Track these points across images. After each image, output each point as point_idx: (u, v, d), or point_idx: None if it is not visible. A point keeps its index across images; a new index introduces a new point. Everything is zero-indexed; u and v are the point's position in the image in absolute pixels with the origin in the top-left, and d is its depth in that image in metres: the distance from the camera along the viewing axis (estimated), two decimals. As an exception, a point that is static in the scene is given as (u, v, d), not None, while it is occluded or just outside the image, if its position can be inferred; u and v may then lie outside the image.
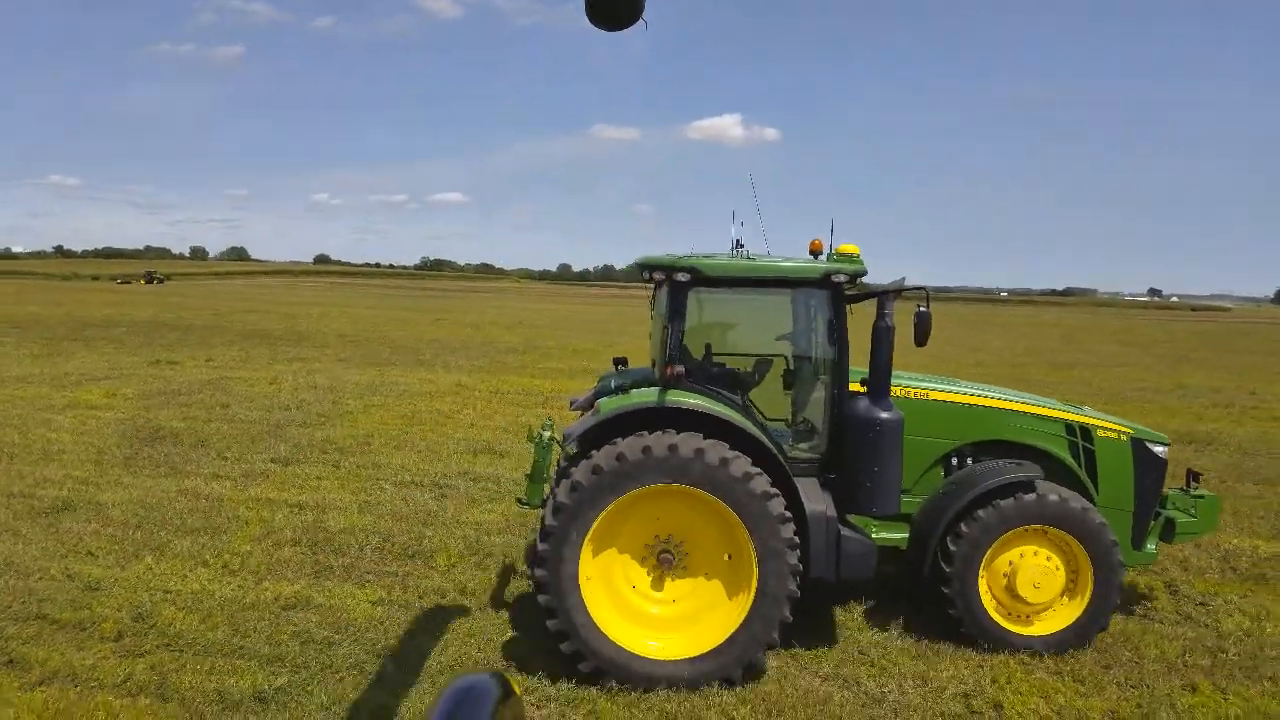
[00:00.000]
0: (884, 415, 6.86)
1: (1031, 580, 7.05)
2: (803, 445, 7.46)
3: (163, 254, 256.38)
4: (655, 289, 8.04)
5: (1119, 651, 7.21)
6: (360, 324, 45.65)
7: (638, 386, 7.32)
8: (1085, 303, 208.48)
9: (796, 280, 7.33)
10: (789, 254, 7.46)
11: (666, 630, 6.59)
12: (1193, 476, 8.27)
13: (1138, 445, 7.84)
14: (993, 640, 7.09)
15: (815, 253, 7.26)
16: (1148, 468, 7.81)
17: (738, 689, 6.37)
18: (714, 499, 6.34)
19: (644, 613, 6.64)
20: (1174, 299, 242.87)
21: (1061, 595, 7.16)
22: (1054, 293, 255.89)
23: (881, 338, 6.83)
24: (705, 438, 6.42)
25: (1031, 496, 7.06)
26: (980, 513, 7.05)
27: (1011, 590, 7.10)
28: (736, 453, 6.40)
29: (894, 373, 7.04)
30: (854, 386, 7.24)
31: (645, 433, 6.46)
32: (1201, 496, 8.06)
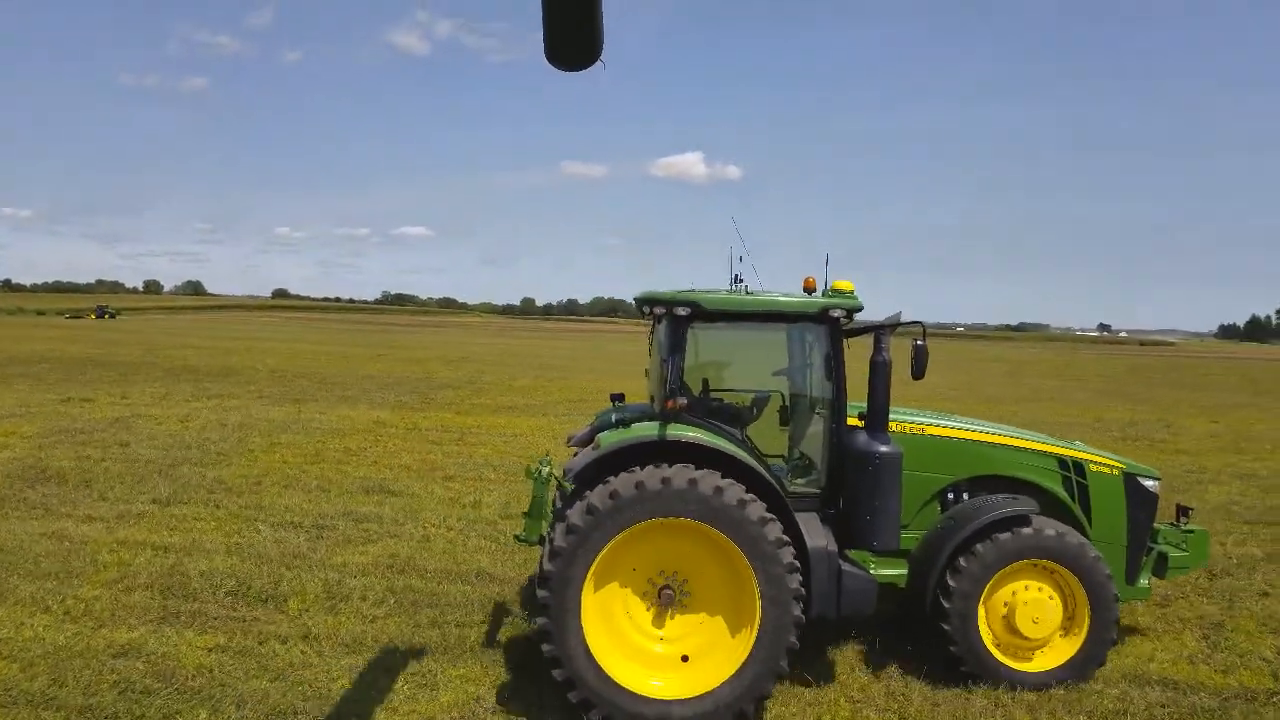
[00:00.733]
0: (884, 449, 6.87)
1: (1031, 615, 6.98)
2: (801, 480, 7.40)
3: (115, 288, 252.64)
4: (654, 324, 7.96)
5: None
6: (297, 360, 45.06)
7: (638, 421, 7.25)
8: (1037, 338, 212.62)
9: (795, 315, 7.31)
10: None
11: (670, 669, 6.47)
12: (1182, 511, 8.31)
13: (1130, 480, 7.85)
14: (992, 676, 6.99)
15: (809, 289, 7.24)
16: (1140, 502, 7.81)
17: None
18: (710, 529, 6.26)
19: (647, 651, 6.52)
20: (1123, 334, 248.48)
21: (1058, 631, 7.11)
22: (1009, 328, 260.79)
23: (879, 372, 6.87)
24: (699, 470, 6.35)
25: (1030, 531, 7.02)
26: (979, 547, 6.99)
27: (1011, 625, 7.03)
28: (730, 480, 6.33)
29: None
30: (851, 421, 7.23)
31: (638, 468, 6.38)
32: (1192, 531, 8.12)
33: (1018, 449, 7.82)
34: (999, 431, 8.00)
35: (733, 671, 6.29)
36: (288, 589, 9.02)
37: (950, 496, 7.71)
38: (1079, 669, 7.09)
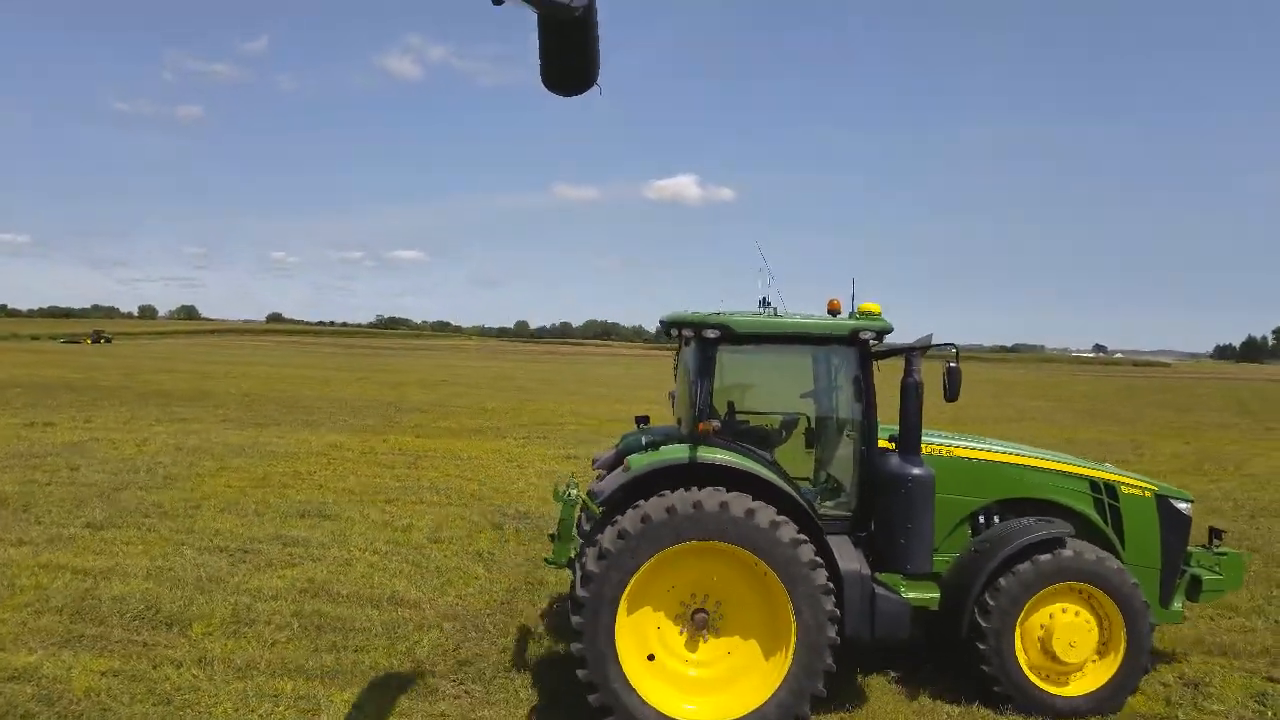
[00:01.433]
0: (916, 472, 6.86)
1: (1068, 639, 6.92)
2: (830, 503, 7.37)
3: (110, 313, 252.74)
4: (681, 346, 7.94)
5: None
6: (273, 384, 45.02)
7: (666, 444, 7.22)
8: (1031, 359, 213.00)
9: (824, 337, 7.27)
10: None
11: (705, 693, 6.45)
12: (1215, 534, 8.24)
13: (1162, 502, 7.78)
14: (1025, 699, 6.93)
15: (834, 312, 7.24)
16: (1173, 525, 7.73)
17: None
18: (744, 552, 6.25)
19: (682, 675, 6.50)
20: (1118, 355, 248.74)
21: (1093, 656, 7.05)
22: (1003, 349, 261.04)
23: (910, 394, 6.87)
24: (730, 492, 6.34)
25: (1069, 553, 6.98)
26: (1019, 568, 6.91)
27: (1047, 649, 6.96)
28: (761, 503, 6.33)
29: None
30: (880, 443, 7.21)
31: (668, 491, 6.37)
32: (1225, 554, 8.02)
33: (1049, 471, 7.75)
34: (1030, 454, 7.92)
35: (769, 695, 6.29)
36: (195, 613, 9.04)
37: (981, 520, 7.62)
38: (1114, 694, 7.03)
